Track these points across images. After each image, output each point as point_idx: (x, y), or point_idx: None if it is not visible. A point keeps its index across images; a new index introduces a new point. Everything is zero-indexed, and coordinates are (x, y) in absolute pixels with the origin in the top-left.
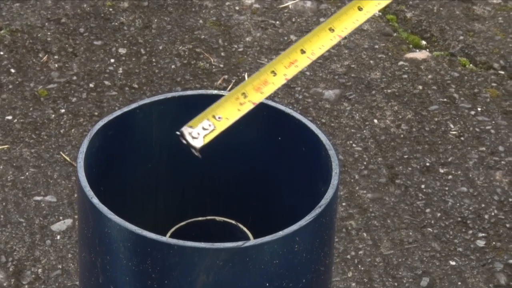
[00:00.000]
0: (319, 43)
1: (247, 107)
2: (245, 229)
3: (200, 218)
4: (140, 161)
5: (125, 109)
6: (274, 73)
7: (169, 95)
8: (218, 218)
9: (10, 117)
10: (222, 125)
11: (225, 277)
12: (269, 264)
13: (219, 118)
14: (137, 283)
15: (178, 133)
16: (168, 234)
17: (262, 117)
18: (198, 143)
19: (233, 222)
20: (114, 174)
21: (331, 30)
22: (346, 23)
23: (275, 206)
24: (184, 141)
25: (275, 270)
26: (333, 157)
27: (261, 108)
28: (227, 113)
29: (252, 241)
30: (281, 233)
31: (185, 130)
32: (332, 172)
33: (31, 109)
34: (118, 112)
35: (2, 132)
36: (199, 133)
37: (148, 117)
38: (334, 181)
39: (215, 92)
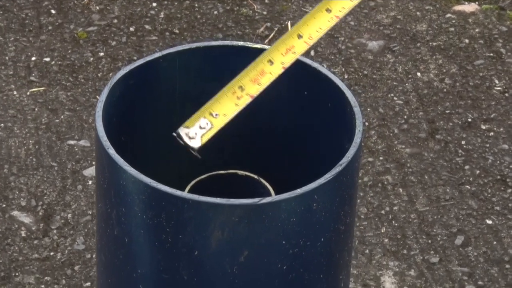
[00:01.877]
0: (316, 25)
1: (245, 101)
2: (267, 184)
3: (222, 172)
4: (164, 112)
5: (148, 58)
6: (271, 62)
7: (194, 45)
8: (240, 172)
9: (48, 59)
10: (219, 123)
11: (240, 233)
12: (286, 222)
13: (216, 115)
14: (152, 237)
15: (174, 134)
16: (188, 187)
17: (288, 71)
18: (195, 143)
19: (255, 177)
20: (136, 125)
21: (328, 11)
22: (343, 3)
23: (299, 162)
24: (181, 142)
25: (292, 228)
26: (358, 114)
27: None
28: (224, 109)
29: (269, 198)
30: (299, 191)
31: (182, 131)
32: (356, 130)
33: (69, 51)
34: (140, 61)
35: (39, 73)
36: (196, 133)
37: (171, 67)
38: (357, 139)
39: (241, 43)
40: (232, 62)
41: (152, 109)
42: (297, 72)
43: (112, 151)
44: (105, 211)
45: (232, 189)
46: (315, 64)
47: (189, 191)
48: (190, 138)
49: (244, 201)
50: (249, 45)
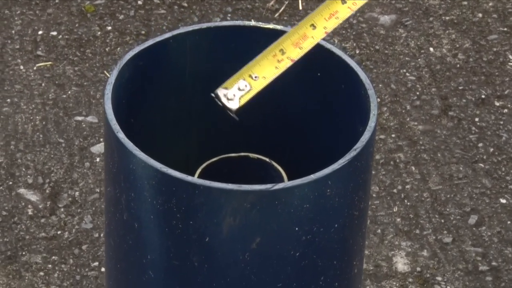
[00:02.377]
0: None
1: (285, 64)
2: (279, 167)
3: (233, 155)
4: (173, 94)
5: (158, 38)
6: (313, 26)
7: (204, 25)
8: (252, 155)
9: (54, 33)
10: (258, 85)
11: (253, 220)
12: (299, 208)
13: (255, 77)
14: (162, 222)
15: (212, 95)
16: (199, 171)
17: None
18: (233, 105)
19: (267, 160)
20: (145, 106)
21: None
22: None
23: (312, 145)
24: (219, 103)
25: (306, 214)
26: (372, 97)
27: None
28: (264, 71)
29: (282, 184)
30: (312, 177)
31: (220, 92)
32: (370, 114)
33: (76, 25)
34: (150, 42)
35: (46, 48)
36: (234, 94)
37: (182, 48)
38: (372, 123)
39: (252, 23)
40: (243, 43)
41: (162, 91)
42: (310, 53)
43: (121, 135)
44: (114, 195)
45: (244, 173)
46: (328, 45)
47: (199, 175)
48: (228, 99)
49: (256, 187)
50: (261, 26)
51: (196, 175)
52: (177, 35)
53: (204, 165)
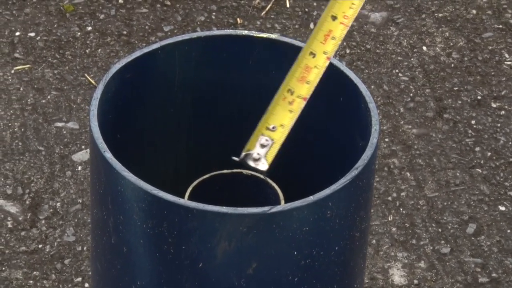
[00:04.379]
0: (349, 1)
1: (298, 104)
2: (274, 184)
3: (225, 171)
4: (162, 106)
5: (146, 49)
6: (312, 54)
7: (194, 35)
8: (245, 172)
9: (33, 34)
10: (279, 136)
11: (249, 244)
12: (298, 232)
13: (273, 127)
14: (152, 247)
15: (236, 159)
16: (190, 189)
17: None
18: (262, 166)
19: (262, 177)
20: (132, 120)
21: None
22: None
23: (307, 160)
24: (249, 167)
25: (305, 237)
26: (373, 111)
27: (295, 53)
28: (279, 119)
29: (280, 207)
30: (312, 198)
31: (245, 157)
32: (372, 129)
33: (55, 25)
34: (137, 53)
35: (24, 50)
36: (259, 153)
37: (171, 58)
38: (373, 139)
39: (245, 32)
40: (235, 53)
41: (150, 103)
42: None
43: (109, 155)
44: (101, 217)
45: (237, 190)
46: None
47: (190, 192)
48: (255, 160)
49: (253, 210)
50: (254, 34)
51: (187, 193)
52: (166, 46)
53: (195, 182)
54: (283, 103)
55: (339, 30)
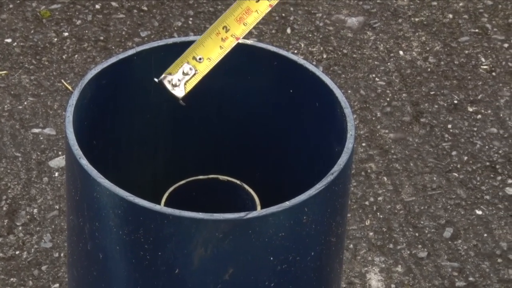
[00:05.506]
0: None
1: (230, 43)
2: (250, 190)
3: (201, 177)
4: (138, 112)
5: (121, 55)
6: None
7: (170, 40)
8: (221, 177)
9: (9, 40)
10: (204, 68)
11: (225, 250)
12: (274, 237)
13: (200, 59)
14: (128, 253)
15: (156, 80)
16: (166, 194)
17: (272, 67)
18: (179, 92)
19: (238, 182)
20: (108, 127)
21: None
22: None
23: (284, 165)
24: (167, 90)
25: (281, 243)
26: (349, 116)
27: (271, 58)
28: (208, 52)
29: (256, 212)
30: (287, 204)
31: (164, 78)
32: (348, 134)
33: (32, 31)
34: (113, 60)
35: (0, 56)
36: (179, 79)
37: (146, 64)
38: (349, 144)
39: None
40: None
41: (127, 110)
42: (282, 68)
43: (84, 162)
44: (77, 224)
45: (213, 196)
46: (301, 61)
47: (167, 198)
48: (173, 85)
49: (229, 215)
50: None
51: (163, 199)
52: (141, 52)
53: (171, 188)
54: (215, 38)
55: None
